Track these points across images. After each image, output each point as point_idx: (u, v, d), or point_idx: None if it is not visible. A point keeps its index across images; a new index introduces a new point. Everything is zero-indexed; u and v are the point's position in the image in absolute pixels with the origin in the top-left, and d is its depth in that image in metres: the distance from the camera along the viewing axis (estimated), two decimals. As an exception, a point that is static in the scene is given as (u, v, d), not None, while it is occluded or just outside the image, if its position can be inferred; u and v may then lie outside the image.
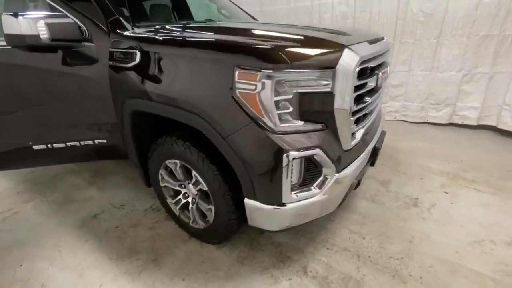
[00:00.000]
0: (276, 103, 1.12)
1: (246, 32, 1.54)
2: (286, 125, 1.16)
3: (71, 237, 1.89)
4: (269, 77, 1.07)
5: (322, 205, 1.34)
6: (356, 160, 1.41)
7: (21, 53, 1.54)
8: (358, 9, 3.70)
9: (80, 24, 1.47)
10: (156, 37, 1.44)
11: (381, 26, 3.54)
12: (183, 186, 1.70)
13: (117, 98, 1.61)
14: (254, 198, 1.27)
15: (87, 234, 1.91)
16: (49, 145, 1.72)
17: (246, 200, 1.31)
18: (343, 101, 1.17)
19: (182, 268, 1.61)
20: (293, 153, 1.14)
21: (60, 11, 1.47)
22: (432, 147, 2.90)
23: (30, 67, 1.63)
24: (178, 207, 1.77)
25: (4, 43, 1.40)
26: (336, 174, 1.29)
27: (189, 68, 1.26)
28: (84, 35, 1.49)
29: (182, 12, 2.81)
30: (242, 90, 1.12)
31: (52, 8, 1.59)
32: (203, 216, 1.68)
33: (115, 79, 1.57)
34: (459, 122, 3.34)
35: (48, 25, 1.30)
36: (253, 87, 1.09)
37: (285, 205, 1.25)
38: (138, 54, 1.42)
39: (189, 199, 1.71)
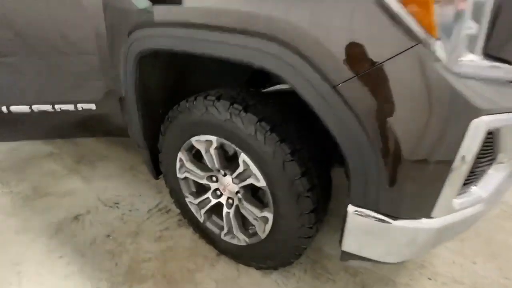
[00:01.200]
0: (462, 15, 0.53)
1: None
2: (471, 62, 0.57)
3: (38, 251, 1.26)
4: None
5: (475, 218, 0.77)
6: None
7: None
8: None
9: None
10: None
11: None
12: (214, 179, 1.10)
13: (116, 31, 0.99)
14: (374, 207, 0.68)
15: (63, 246, 1.29)
16: (4, 108, 1.09)
17: (353, 210, 0.71)
18: None
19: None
20: (491, 120, 0.56)
21: None
22: None
23: None
24: (203, 211, 1.16)
25: None
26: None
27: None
28: None
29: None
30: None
31: None
32: (246, 226, 1.09)
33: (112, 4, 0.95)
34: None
35: None
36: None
37: (432, 219, 0.67)
38: None
39: (223, 200, 1.11)
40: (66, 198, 1.61)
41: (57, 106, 1.15)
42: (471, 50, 0.57)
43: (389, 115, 0.58)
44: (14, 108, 1.10)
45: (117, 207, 1.54)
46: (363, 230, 0.73)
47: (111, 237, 1.34)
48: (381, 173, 0.64)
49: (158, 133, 1.15)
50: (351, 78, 0.59)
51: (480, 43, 0.58)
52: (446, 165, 0.60)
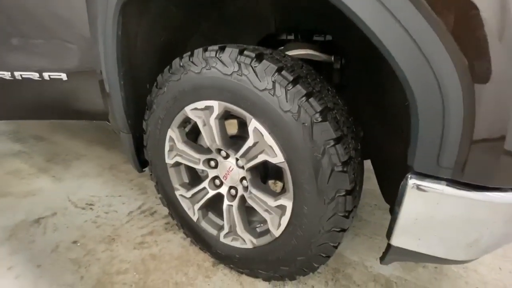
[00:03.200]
0: None
1: None
2: None
3: (-20, 260, 0.98)
4: None
5: None
6: None
7: None
8: None
9: None
10: None
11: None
12: (212, 163, 0.87)
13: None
14: (453, 174, 0.47)
15: (15, 255, 1.00)
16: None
17: (415, 182, 0.50)
18: None
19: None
20: None
21: None
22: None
23: None
24: (198, 206, 0.92)
25: None
26: None
27: None
28: None
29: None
30: None
31: None
32: (251, 224, 0.86)
33: None
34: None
35: None
36: None
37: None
38: None
39: (224, 190, 0.88)
40: (28, 199, 1.33)
41: (16, 73, 0.92)
42: None
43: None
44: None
45: (91, 208, 1.27)
46: (429, 211, 0.52)
47: (78, 244, 1.06)
48: (469, 116, 0.43)
49: (142, 109, 0.93)
50: None
51: None
52: None
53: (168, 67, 0.81)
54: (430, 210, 0.52)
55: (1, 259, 0.98)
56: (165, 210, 1.09)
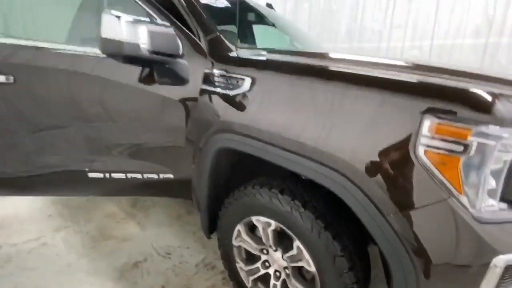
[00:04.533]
0: (488, 175, 0.73)
1: (420, 68, 1.12)
2: (492, 209, 0.75)
3: (106, 293, 1.48)
4: (492, 136, 0.69)
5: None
6: None
7: (91, 61, 1.29)
8: (434, 55, 3.41)
9: (178, 37, 1.20)
10: (284, 62, 1.15)
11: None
12: (265, 251, 1.28)
13: (202, 128, 1.28)
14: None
15: (127, 293, 1.49)
16: (107, 174, 1.39)
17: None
18: None
19: None
20: (508, 259, 0.72)
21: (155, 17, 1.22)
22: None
23: (101, 79, 1.35)
24: (252, 278, 1.33)
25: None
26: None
27: (337, 107, 0.91)
28: (180, 50, 1.21)
29: (247, 39, 2.60)
30: (433, 149, 0.75)
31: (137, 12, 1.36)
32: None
33: (206, 106, 1.26)
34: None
35: (151, 33, 1.03)
36: (459, 148, 0.71)
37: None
38: (249, 80, 1.11)
39: (271, 271, 1.28)
40: (126, 243, 1.85)
41: (145, 175, 1.44)
42: (492, 201, 0.75)
43: (423, 246, 0.77)
44: (115, 175, 1.41)
45: (169, 257, 1.75)
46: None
47: (165, 288, 1.52)
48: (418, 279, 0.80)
49: (219, 203, 1.38)
50: (397, 212, 0.79)
51: (496, 194, 0.76)
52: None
53: (243, 188, 1.25)
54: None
55: (118, 294, 1.47)
56: (221, 265, 1.50)
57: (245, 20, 2.21)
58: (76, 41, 1.44)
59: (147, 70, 1.21)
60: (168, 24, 1.16)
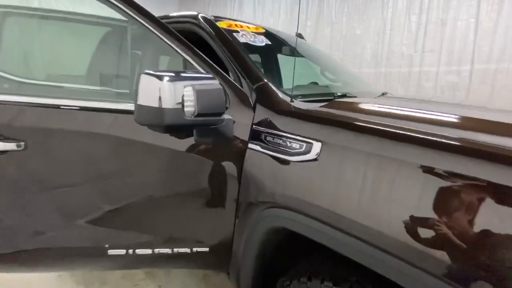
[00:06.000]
0: None
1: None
2: None
3: None
4: None
5: None
6: None
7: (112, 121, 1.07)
8: (475, 80, 3.13)
9: (224, 89, 0.97)
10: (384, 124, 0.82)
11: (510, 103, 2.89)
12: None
13: (248, 199, 1.04)
14: None
15: None
16: (130, 251, 1.15)
17: None
18: None
19: None
20: None
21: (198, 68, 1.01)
22: None
23: (126, 141, 1.08)
24: None
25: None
26: None
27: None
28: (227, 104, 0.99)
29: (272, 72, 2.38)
30: None
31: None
32: None
33: (254, 171, 1.02)
34: None
35: (198, 93, 0.80)
36: None
37: None
38: (316, 145, 0.86)
39: None
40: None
41: (176, 249, 1.19)
42: None
43: None
44: (139, 251, 1.16)
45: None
46: None
47: None
48: None
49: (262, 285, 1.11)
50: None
51: None
52: None
53: (282, 280, 0.99)
54: None
55: None
56: None
57: (285, 57, 2.01)
58: (96, 95, 1.22)
59: (184, 133, 0.97)
60: (211, 75, 0.94)
